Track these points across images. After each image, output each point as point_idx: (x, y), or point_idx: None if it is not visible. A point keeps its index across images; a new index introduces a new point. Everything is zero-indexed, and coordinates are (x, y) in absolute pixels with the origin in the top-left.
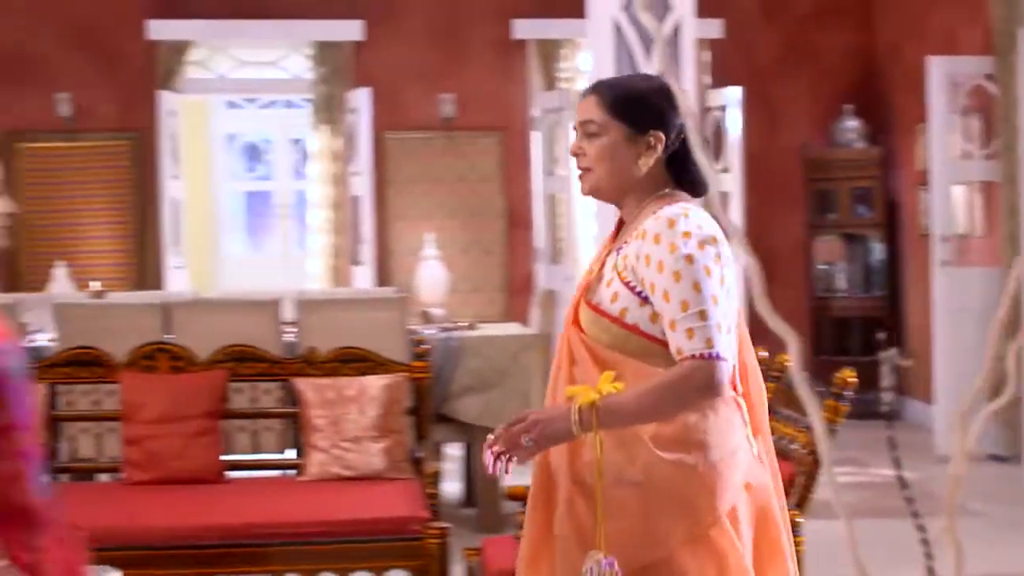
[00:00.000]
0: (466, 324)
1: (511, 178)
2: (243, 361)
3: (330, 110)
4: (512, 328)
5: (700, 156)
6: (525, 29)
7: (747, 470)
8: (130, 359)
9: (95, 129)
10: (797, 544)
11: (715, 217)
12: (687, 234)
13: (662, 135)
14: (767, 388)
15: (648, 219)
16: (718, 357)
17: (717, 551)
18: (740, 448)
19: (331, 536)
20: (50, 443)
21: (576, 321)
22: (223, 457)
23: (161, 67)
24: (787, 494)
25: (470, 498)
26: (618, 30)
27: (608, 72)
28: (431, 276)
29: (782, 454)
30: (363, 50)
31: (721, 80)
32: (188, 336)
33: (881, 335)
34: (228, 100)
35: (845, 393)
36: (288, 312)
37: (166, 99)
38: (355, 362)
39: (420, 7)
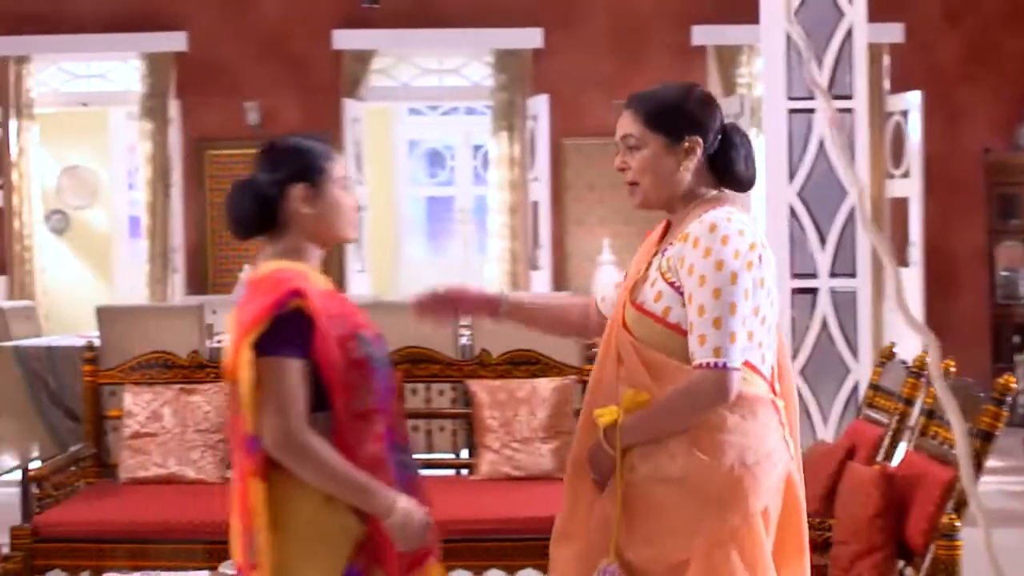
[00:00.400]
0: None
1: None
2: (418, 363)
3: (509, 117)
4: None
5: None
6: (704, 35)
7: (782, 471)
8: None
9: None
10: (954, 549)
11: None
12: (725, 239)
13: (699, 139)
14: (929, 393)
15: (693, 223)
16: (725, 367)
17: (746, 551)
18: (776, 450)
19: (500, 534)
20: None
21: (624, 322)
22: None
23: (346, 76)
24: (947, 499)
25: None
26: (788, 38)
27: (780, 79)
28: (607, 280)
29: (943, 459)
30: (542, 57)
31: (901, 84)
32: None
33: None
34: (410, 107)
35: (1006, 399)
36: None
37: (350, 107)
38: (526, 364)
39: (599, 14)
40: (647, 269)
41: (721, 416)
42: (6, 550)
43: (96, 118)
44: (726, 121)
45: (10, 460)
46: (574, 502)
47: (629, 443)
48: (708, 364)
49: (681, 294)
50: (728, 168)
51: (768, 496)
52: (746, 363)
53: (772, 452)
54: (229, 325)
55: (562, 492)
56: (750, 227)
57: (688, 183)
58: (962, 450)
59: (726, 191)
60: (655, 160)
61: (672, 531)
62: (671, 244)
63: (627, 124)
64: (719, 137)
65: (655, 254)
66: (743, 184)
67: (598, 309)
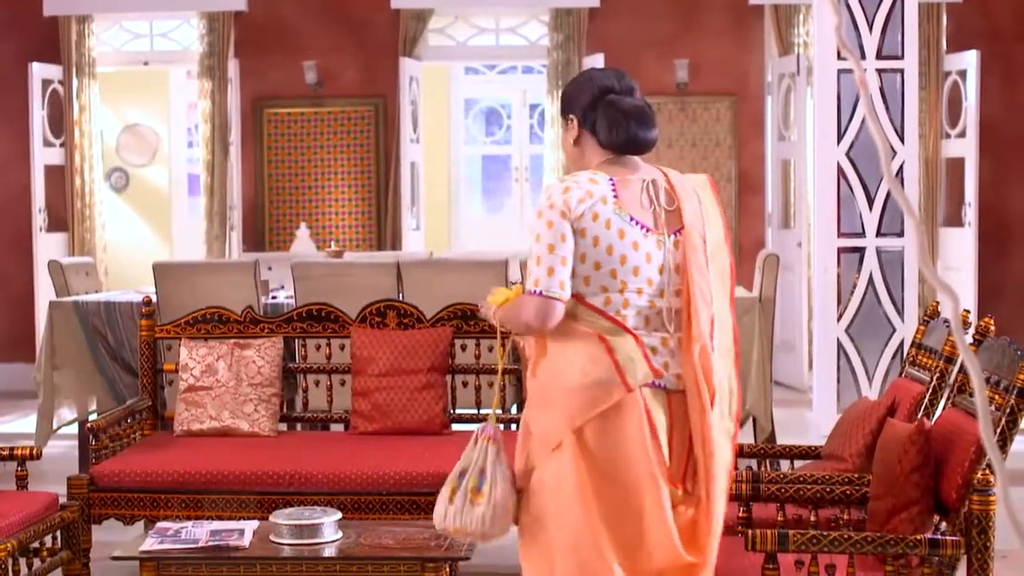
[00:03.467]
0: None
1: (743, 143)
2: (468, 319)
3: (565, 76)
4: (736, 291)
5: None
6: None
7: (602, 396)
8: (361, 316)
9: (339, 95)
10: (987, 504)
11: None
12: (548, 198)
13: (573, 117)
14: (972, 349)
15: None
16: (541, 295)
17: (560, 464)
18: (598, 379)
19: None
20: (285, 394)
21: None
22: (447, 411)
23: (403, 35)
24: (981, 455)
25: None
26: None
27: (830, 40)
28: None
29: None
30: (598, 16)
31: (958, 44)
32: (418, 295)
33: None
34: (467, 66)
35: None
36: (516, 273)
37: (408, 66)
38: None
39: None
40: None
41: (552, 341)
42: (64, 499)
43: (156, 77)
44: (612, 96)
45: (69, 412)
46: None
47: (497, 322)
48: (530, 292)
49: None
50: (597, 137)
51: (582, 417)
52: (584, 302)
53: (589, 381)
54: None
55: None
56: (584, 187)
57: (582, 154)
58: (981, 403)
59: (625, 156)
60: (562, 140)
61: (532, 421)
62: None
63: None
64: (593, 110)
65: None
66: (618, 148)
67: None
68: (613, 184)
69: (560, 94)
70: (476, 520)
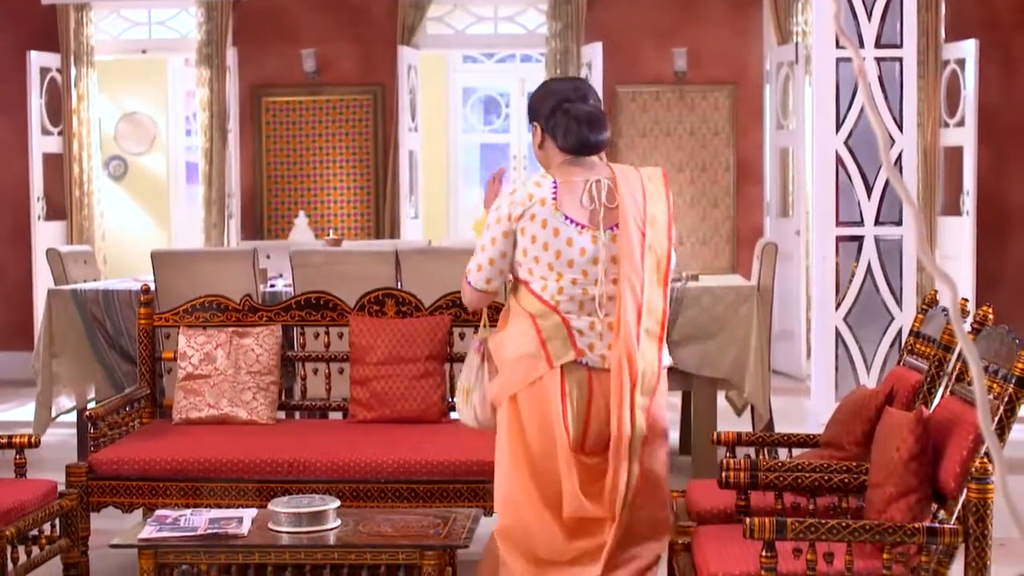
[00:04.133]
0: (689, 275)
1: (742, 132)
2: (466, 308)
3: (564, 64)
4: (733, 280)
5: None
6: None
7: (528, 373)
8: (359, 304)
9: (338, 83)
10: (985, 492)
11: None
12: (498, 206)
13: (537, 124)
14: (970, 338)
15: None
16: (468, 282)
17: (502, 422)
18: (527, 354)
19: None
20: (284, 382)
21: None
22: (445, 399)
23: (402, 23)
24: (979, 443)
25: (686, 445)
26: None
27: (829, 28)
28: None
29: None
30: (596, 5)
31: (957, 32)
32: (417, 283)
33: None
34: (465, 54)
35: None
36: None
37: (406, 54)
38: None
39: None
40: None
41: (505, 318)
42: (62, 487)
43: (154, 65)
44: (567, 104)
45: (67, 401)
46: None
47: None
48: (465, 277)
49: None
50: (556, 141)
51: (516, 387)
52: (528, 287)
53: (521, 354)
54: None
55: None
56: (527, 191)
57: (547, 157)
58: (979, 392)
59: (580, 156)
60: (533, 146)
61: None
62: None
63: None
64: (552, 116)
65: None
66: (572, 150)
67: None
68: (555, 187)
69: (527, 104)
70: (470, 416)
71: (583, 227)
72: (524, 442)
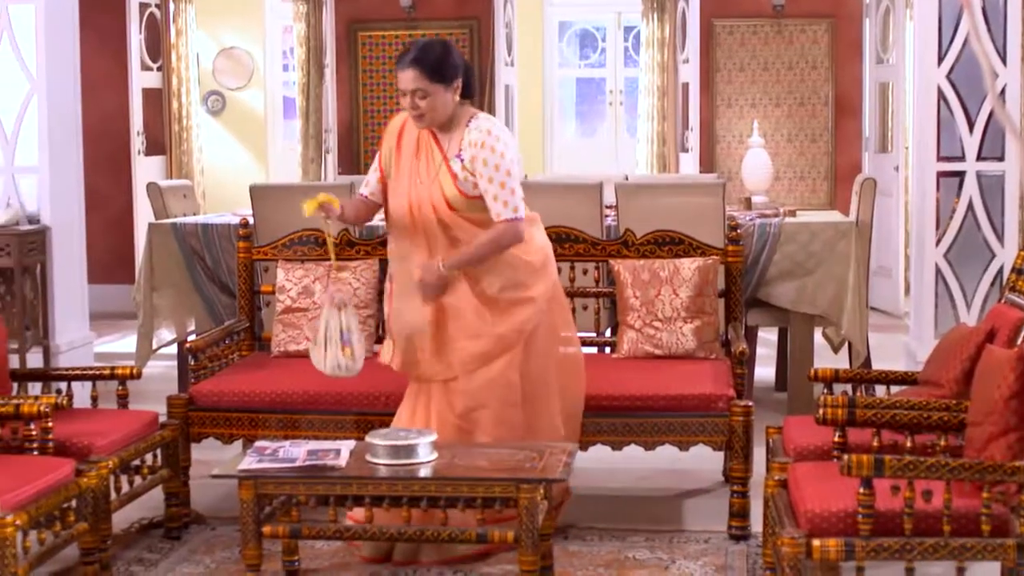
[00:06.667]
0: (786, 211)
1: (840, 66)
2: (563, 242)
3: None
4: (831, 216)
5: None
6: None
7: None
8: None
9: (433, 18)
10: None
11: None
12: (497, 137)
13: (459, 79)
14: None
15: (472, 131)
16: (519, 219)
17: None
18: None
19: (639, 411)
20: (381, 315)
21: (449, 206)
22: None
23: None
24: None
25: (782, 382)
26: None
27: None
28: (756, 163)
29: None
30: None
31: None
32: None
33: None
34: None
35: None
36: (610, 195)
37: None
38: (670, 244)
39: None
40: (448, 167)
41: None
42: (164, 418)
43: (252, 0)
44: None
45: (168, 333)
46: None
47: (453, 268)
48: (509, 219)
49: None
50: (466, 92)
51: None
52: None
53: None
54: None
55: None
56: (503, 127)
57: (454, 106)
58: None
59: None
60: (439, 99)
61: (515, 284)
62: (461, 150)
63: (415, 80)
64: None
65: (447, 159)
66: (477, 96)
67: (367, 197)
68: None
69: (438, 67)
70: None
71: None
72: None
